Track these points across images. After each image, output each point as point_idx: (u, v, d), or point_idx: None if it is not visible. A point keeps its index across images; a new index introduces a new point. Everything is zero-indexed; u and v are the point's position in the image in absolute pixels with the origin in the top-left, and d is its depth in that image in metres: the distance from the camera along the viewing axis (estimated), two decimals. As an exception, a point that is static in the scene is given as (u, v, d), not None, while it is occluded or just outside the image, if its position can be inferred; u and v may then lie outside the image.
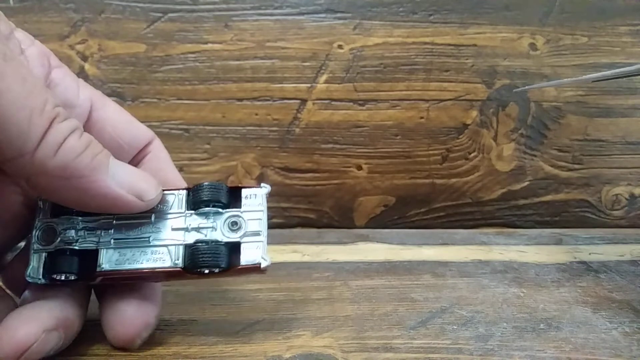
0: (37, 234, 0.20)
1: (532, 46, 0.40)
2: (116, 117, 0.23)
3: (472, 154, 0.41)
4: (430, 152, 0.41)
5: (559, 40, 0.40)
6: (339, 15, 0.39)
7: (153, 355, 0.21)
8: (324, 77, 0.40)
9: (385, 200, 0.41)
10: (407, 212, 0.41)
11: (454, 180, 0.41)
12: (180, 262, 0.20)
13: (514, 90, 0.40)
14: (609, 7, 0.40)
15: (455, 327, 0.23)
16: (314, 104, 0.40)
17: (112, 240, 0.20)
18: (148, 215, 0.20)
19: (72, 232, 0.20)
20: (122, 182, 0.19)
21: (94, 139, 0.19)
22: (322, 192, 0.41)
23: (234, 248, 0.21)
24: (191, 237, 0.20)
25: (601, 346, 0.22)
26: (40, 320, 0.18)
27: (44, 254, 0.20)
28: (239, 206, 0.21)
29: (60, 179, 0.17)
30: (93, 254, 0.20)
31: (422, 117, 0.40)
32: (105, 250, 0.20)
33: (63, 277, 0.20)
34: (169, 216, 0.21)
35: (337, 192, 0.41)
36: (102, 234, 0.20)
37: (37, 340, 0.18)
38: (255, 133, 0.40)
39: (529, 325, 0.24)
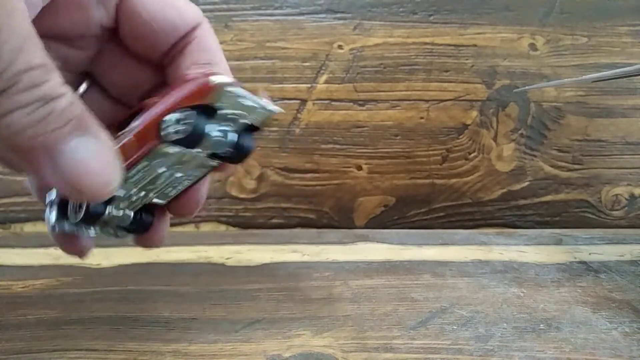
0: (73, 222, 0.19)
1: (532, 46, 0.40)
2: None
3: (472, 154, 0.41)
4: (430, 152, 0.41)
5: (559, 40, 0.40)
6: (339, 15, 0.39)
7: (153, 352, 0.21)
8: (324, 77, 0.40)
9: (385, 200, 0.41)
10: (407, 212, 0.41)
11: (454, 180, 0.41)
12: (215, 163, 0.20)
13: (514, 90, 0.40)
14: (609, 7, 0.40)
15: (455, 327, 0.23)
16: (314, 104, 0.40)
17: (151, 194, 0.20)
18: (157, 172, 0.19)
19: (112, 210, 0.20)
20: (63, 172, 0.16)
21: (59, 109, 0.16)
22: (322, 192, 0.41)
23: (246, 128, 0.19)
24: (207, 153, 0.19)
25: (601, 346, 0.22)
26: None
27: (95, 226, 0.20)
28: (216, 117, 0.18)
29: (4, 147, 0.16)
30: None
31: (422, 117, 0.40)
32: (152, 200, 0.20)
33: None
34: (173, 162, 0.19)
35: (337, 192, 0.41)
36: (135, 198, 0.20)
37: None
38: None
39: (529, 325, 0.24)
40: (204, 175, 0.20)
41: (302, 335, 0.23)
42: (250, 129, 0.19)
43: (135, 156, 0.18)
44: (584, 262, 0.32)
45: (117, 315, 0.24)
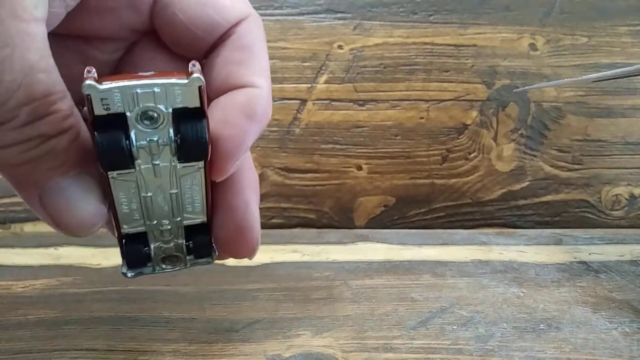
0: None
1: (532, 46, 0.40)
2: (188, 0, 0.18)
3: (472, 154, 0.41)
4: (430, 152, 0.41)
5: (559, 40, 0.40)
6: (339, 15, 0.39)
7: (153, 352, 0.21)
8: (324, 77, 0.40)
9: (385, 200, 0.41)
10: (407, 212, 0.41)
11: (454, 180, 0.41)
12: (193, 165, 0.17)
13: (514, 90, 0.40)
14: (609, 7, 0.40)
15: (455, 327, 0.23)
16: (314, 104, 0.40)
17: (176, 219, 0.19)
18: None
19: (161, 245, 0.19)
20: (48, 208, 0.16)
21: (58, 149, 0.15)
22: (322, 192, 0.41)
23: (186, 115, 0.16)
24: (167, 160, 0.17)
25: (601, 346, 0.22)
26: None
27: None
28: (131, 121, 0.16)
29: None
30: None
31: (422, 117, 0.40)
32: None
33: None
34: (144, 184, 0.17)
35: (337, 192, 0.41)
36: (164, 228, 0.19)
37: None
38: (256, 133, 0.40)
39: (529, 325, 0.24)
40: (205, 179, 0.18)
41: (302, 335, 0.23)
42: (192, 112, 0.16)
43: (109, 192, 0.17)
44: (584, 262, 0.32)
45: (117, 315, 0.24)
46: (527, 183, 0.41)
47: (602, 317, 0.24)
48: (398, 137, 0.40)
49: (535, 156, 0.41)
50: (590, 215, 0.42)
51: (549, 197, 0.42)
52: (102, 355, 0.21)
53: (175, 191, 0.18)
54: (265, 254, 0.32)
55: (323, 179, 0.41)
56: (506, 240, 0.36)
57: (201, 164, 0.17)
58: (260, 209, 0.40)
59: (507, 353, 0.21)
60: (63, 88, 0.15)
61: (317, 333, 0.23)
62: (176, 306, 0.25)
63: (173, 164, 0.17)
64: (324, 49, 0.39)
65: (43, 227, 0.40)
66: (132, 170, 0.16)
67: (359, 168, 0.41)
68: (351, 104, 0.40)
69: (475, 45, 0.40)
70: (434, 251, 0.34)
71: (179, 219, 0.19)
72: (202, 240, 0.20)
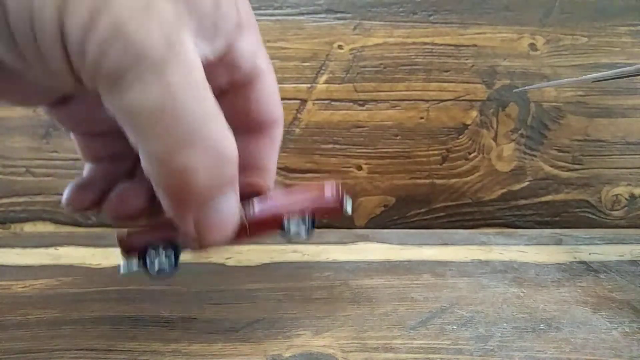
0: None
1: (532, 46, 0.40)
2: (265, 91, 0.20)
3: (472, 154, 0.41)
4: (430, 152, 0.41)
5: (559, 40, 0.40)
6: (339, 15, 0.39)
7: (153, 351, 0.21)
8: (324, 78, 0.40)
9: (385, 200, 0.41)
10: (407, 212, 0.41)
11: (454, 180, 0.41)
12: None
13: (514, 90, 0.40)
14: (609, 7, 0.40)
15: (455, 327, 0.23)
16: (314, 104, 0.40)
17: None
18: None
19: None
20: (202, 225, 0.17)
21: (230, 173, 0.16)
22: (322, 192, 0.41)
23: None
24: None
25: (601, 346, 0.22)
26: None
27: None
28: None
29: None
30: None
31: (422, 117, 0.40)
32: None
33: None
34: None
35: (337, 192, 0.41)
36: None
37: None
38: (256, 133, 0.40)
39: (529, 325, 0.24)
40: None
41: (302, 335, 0.22)
42: None
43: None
44: (584, 262, 0.32)
45: (117, 315, 0.24)
46: (527, 183, 0.41)
47: (602, 317, 0.24)
48: (398, 137, 0.40)
49: (535, 156, 0.41)
50: (590, 215, 0.42)
51: (549, 197, 0.42)
52: (102, 355, 0.21)
53: None
54: (265, 254, 0.32)
55: (323, 179, 0.41)
56: (506, 240, 0.36)
57: None
58: (260, 209, 0.41)
59: (507, 353, 0.21)
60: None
61: (317, 333, 0.23)
62: (176, 306, 0.25)
63: None
64: (324, 49, 0.39)
65: (43, 227, 0.40)
66: None
67: (359, 168, 0.41)
68: (351, 104, 0.40)
69: (475, 45, 0.40)
70: (434, 251, 0.34)
71: None
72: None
